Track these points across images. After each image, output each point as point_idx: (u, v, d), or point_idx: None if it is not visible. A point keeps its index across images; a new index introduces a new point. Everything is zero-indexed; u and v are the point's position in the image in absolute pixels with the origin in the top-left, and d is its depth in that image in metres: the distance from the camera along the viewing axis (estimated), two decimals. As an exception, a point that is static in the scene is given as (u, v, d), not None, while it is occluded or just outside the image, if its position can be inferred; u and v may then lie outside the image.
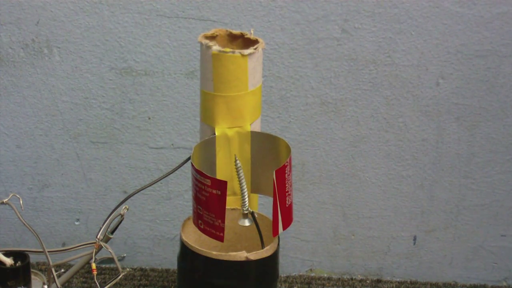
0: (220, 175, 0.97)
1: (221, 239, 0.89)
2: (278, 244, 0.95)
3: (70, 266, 1.08)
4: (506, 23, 1.25)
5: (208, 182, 0.88)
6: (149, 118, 1.31)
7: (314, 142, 1.33)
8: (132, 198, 1.02)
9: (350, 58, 1.27)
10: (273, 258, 0.94)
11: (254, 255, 0.91)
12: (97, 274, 0.99)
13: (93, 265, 0.97)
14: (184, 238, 0.94)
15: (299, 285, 1.40)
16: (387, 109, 1.31)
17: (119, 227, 1.01)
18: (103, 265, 1.39)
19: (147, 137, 1.33)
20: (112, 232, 1.01)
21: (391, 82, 1.29)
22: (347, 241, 1.41)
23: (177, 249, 0.98)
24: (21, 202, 1.03)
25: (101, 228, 1.00)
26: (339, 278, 1.42)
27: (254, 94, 0.96)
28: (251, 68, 0.94)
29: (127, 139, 1.33)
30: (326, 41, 1.26)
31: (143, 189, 1.03)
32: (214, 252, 0.91)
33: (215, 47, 0.93)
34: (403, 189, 1.37)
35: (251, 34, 0.98)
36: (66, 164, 1.34)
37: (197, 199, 0.91)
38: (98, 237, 0.99)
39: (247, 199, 0.92)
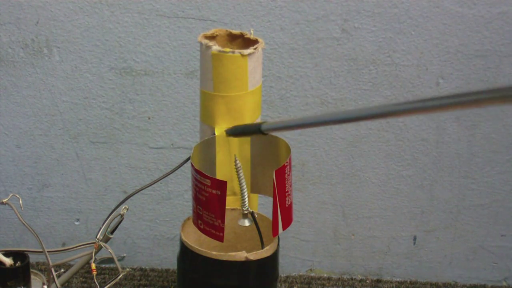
0: (220, 175, 0.97)
1: (221, 239, 0.89)
2: (278, 244, 0.95)
3: (70, 266, 1.08)
4: (506, 23, 1.25)
5: (208, 182, 0.88)
6: (149, 118, 1.31)
7: (314, 142, 1.33)
8: (132, 198, 1.02)
9: (350, 58, 1.27)
10: (273, 258, 0.94)
11: (254, 255, 0.91)
12: (97, 274, 0.99)
13: (93, 265, 0.97)
14: (184, 238, 0.94)
15: (299, 285, 1.40)
16: (387, 109, 1.31)
17: (119, 227, 1.01)
18: (103, 265, 1.39)
19: (147, 137, 1.33)
20: (112, 232, 1.01)
21: (391, 82, 1.29)
22: (347, 241, 1.40)
23: (177, 249, 0.98)
24: (20, 202, 1.03)
25: (101, 228, 1.00)
26: (339, 278, 1.42)
27: (254, 94, 0.96)
28: (251, 68, 0.94)
29: (127, 139, 1.33)
30: (326, 41, 1.26)
31: (143, 189, 1.03)
32: (214, 252, 0.91)
33: (215, 47, 0.93)
34: (403, 189, 1.36)
35: (251, 34, 0.98)
36: (66, 164, 1.34)
37: (197, 199, 0.91)
38: (98, 237, 0.99)
39: (247, 199, 0.92)
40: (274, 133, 0.93)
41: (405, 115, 0.75)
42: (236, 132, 0.93)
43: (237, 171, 0.93)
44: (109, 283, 1.00)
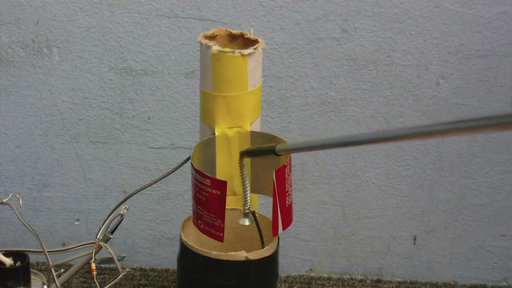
0: (220, 175, 0.97)
1: (221, 239, 0.89)
2: (278, 244, 0.95)
3: (70, 266, 1.08)
4: (506, 23, 1.25)
5: (208, 182, 0.88)
6: (149, 118, 1.31)
7: (314, 142, 1.33)
8: (132, 198, 1.02)
9: (350, 58, 1.27)
10: (273, 258, 0.94)
11: (254, 255, 0.91)
12: (97, 274, 0.99)
13: (93, 265, 0.97)
14: (184, 238, 0.94)
15: (299, 285, 1.40)
16: (387, 109, 1.31)
17: (119, 227, 1.01)
18: (103, 265, 1.39)
19: (147, 137, 1.33)
20: (112, 232, 1.01)
21: (391, 82, 1.29)
22: (347, 241, 1.40)
23: (177, 249, 0.98)
24: (20, 202, 1.03)
25: (101, 228, 1.00)
26: (339, 278, 1.42)
27: (254, 94, 0.96)
28: (251, 68, 0.94)
29: (127, 139, 1.33)
30: (326, 41, 1.26)
31: (143, 189, 1.03)
32: (214, 252, 0.91)
33: (215, 47, 0.93)
34: (403, 189, 1.36)
35: (251, 34, 0.98)
36: (66, 164, 1.34)
37: (197, 199, 0.91)
38: (98, 237, 0.99)
39: (249, 198, 0.92)
40: (274, 133, 0.93)
41: (408, 140, 0.76)
42: (251, 153, 0.93)
43: (240, 170, 0.93)
44: (109, 283, 1.00)
